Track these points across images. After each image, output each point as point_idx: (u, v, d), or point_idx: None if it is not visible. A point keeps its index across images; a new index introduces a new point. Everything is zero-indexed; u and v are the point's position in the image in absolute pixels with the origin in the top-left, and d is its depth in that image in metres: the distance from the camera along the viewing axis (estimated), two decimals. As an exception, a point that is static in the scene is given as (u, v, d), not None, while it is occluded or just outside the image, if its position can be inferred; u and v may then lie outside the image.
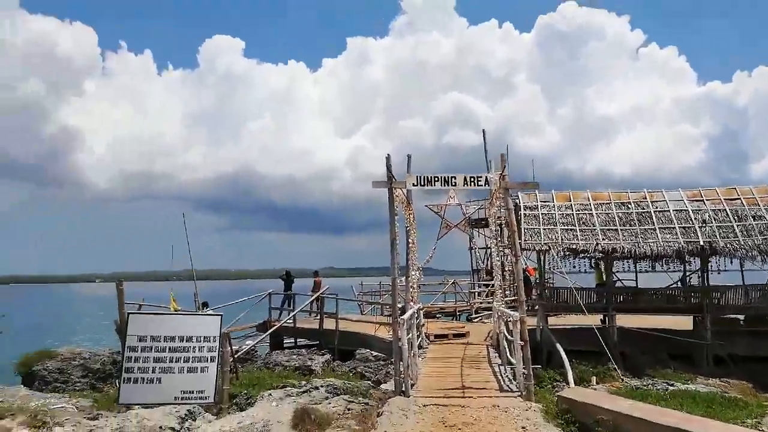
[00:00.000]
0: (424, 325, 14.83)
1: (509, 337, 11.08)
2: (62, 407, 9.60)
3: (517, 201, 16.16)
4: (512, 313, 9.85)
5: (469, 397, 8.88)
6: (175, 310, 15.01)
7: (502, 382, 9.92)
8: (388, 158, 9.06)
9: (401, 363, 9.17)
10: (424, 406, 8.32)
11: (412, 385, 9.33)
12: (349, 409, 8.86)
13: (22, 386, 11.49)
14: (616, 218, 15.99)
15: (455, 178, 9.11)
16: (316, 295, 19.07)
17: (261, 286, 24.52)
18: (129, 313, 9.78)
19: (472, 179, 9.13)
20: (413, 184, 9.11)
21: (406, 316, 9.95)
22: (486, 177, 9.22)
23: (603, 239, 15.39)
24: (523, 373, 8.92)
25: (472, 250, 29.64)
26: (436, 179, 9.05)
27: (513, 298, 18.62)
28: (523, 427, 7.12)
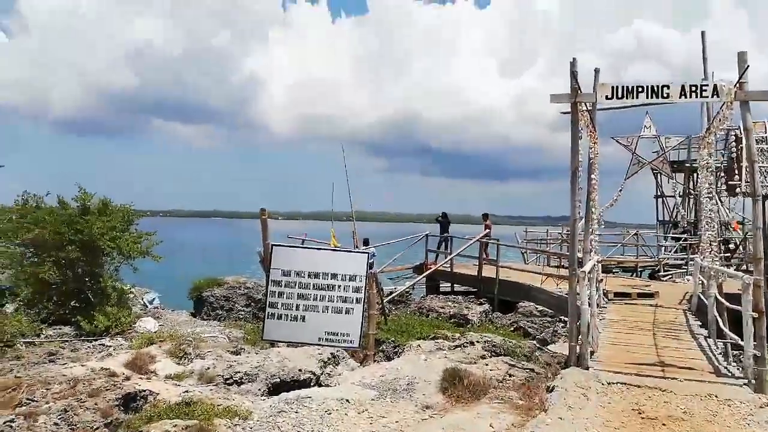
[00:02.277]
0: (602, 280, 12.54)
1: (725, 303, 8.55)
2: (214, 336, 9.52)
3: (737, 132, 12.68)
4: (741, 274, 7.34)
5: (672, 378, 6.77)
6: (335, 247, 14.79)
7: (716, 362, 7.58)
8: (573, 63, 6.92)
9: (578, 325, 7.34)
10: (609, 384, 6.46)
11: (592, 353, 7.47)
12: (510, 375, 7.37)
13: (184, 311, 11.88)
14: None
15: (668, 87, 6.67)
16: (478, 238, 17.53)
17: (419, 229, 23.73)
18: (273, 245, 9.22)
19: (694, 89, 6.60)
20: (607, 97, 6.86)
21: (586, 267, 7.97)
22: (715, 85, 6.62)
23: None
24: (754, 355, 6.56)
25: (662, 198, 25.48)
26: (641, 89, 6.69)
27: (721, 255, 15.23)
28: (764, 436, 4.97)
